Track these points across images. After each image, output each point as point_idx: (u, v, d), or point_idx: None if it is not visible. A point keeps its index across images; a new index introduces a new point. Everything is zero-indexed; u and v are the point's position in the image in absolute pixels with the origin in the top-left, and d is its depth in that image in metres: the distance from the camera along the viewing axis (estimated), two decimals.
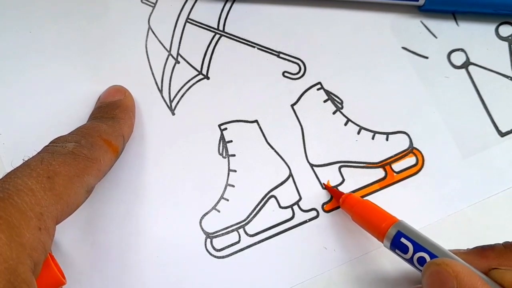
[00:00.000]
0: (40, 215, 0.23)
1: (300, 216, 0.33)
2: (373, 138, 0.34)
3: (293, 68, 0.35)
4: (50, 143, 0.28)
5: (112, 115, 0.32)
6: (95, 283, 0.33)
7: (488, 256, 0.27)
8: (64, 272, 0.32)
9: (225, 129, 0.35)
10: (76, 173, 0.26)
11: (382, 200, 0.33)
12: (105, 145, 0.29)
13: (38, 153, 0.27)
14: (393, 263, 0.33)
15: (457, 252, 0.28)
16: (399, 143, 0.34)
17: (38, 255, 0.22)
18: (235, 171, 0.34)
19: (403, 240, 0.27)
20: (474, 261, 0.27)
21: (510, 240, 0.27)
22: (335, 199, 0.33)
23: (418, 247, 0.27)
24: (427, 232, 0.31)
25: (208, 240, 0.33)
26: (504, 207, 0.33)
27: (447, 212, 0.33)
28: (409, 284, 0.32)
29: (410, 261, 0.27)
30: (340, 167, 0.34)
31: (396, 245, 0.28)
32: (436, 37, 0.35)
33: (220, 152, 0.34)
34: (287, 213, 0.34)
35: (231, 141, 0.34)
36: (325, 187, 0.33)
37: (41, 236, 0.23)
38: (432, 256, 0.26)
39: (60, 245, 0.33)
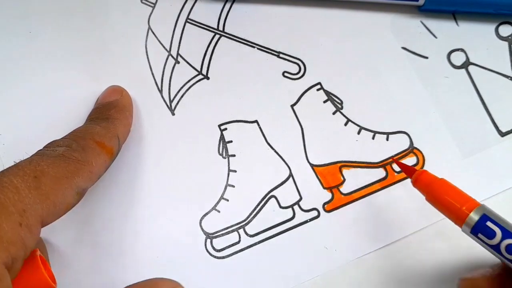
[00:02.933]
0: (22, 212, 0.23)
1: (300, 216, 0.33)
2: (373, 138, 0.34)
3: (293, 68, 0.35)
4: (43, 147, 0.28)
5: (107, 115, 0.32)
6: (95, 284, 0.32)
7: None
8: (64, 273, 0.32)
9: (225, 129, 0.35)
10: (65, 175, 0.26)
11: (384, 200, 0.33)
12: (98, 147, 0.29)
13: (29, 156, 0.27)
14: (394, 263, 0.33)
15: None
16: (400, 143, 0.34)
17: (16, 250, 0.22)
18: (235, 171, 0.34)
19: (489, 224, 0.25)
20: None
21: None
22: (408, 175, 0.29)
23: (507, 234, 0.25)
24: (431, 231, 0.32)
25: (208, 240, 0.33)
26: (504, 207, 0.33)
27: None
28: (410, 284, 0.32)
29: (495, 248, 0.25)
30: (340, 167, 0.34)
31: (480, 229, 0.25)
32: (436, 37, 0.35)
33: (220, 152, 0.34)
34: (288, 213, 0.33)
35: (231, 141, 0.34)
36: (394, 161, 0.32)
37: (21, 231, 0.23)
38: None
39: (60, 247, 0.33)
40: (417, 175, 0.28)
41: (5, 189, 0.23)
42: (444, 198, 0.27)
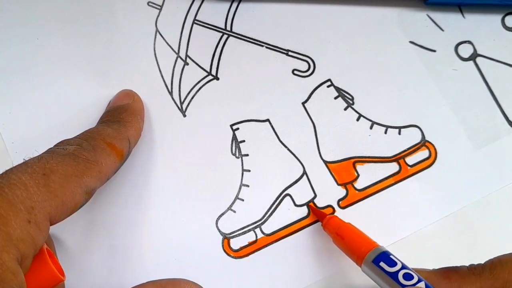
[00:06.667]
0: (30, 209, 0.23)
1: None
2: (385, 133, 0.34)
3: (303, 66, 0.35)
4: (53, 146, 0.28)
5: (119, 118, 0.32)
6: (114, 287, 0.32)
7: (451, 278, 0.27)
8: (83, 276, 0.32)
9: (237, 129, 0.35)
10: (74, 173, 0.26)
11: (398, 194, 0.33)
12: (108, 148, 0.29)
13: (39, 154, 0.27)
14: (406, 260, 0.33)
15: (423, 271, 0.28)
16: (412, 137, 0.34)
17: (25, 247, 0.22)
18: (249, 171, 0.34)
19: (392, 257, 0.28)
20: (437, 282, 0.27)
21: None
22: (320, 219, 0.33)
23: (405, 266, 0.27)
24: (431, 231, 0.32)
25: (225, 240, 0.33)
26: None
27: (464, 203, 0.33)
28: None
29: (393, 275, 0.27)
30: (354, 163, 0.34)
31: (384, 259, 0.28)
32: (442, 30, 0.36)
33: (233, 152, 0.34)
34: (303, 211, 0.34)
35: (244, 141, 0.34)
36: (310, 207, 0.33)
37: (30, 229, 0.23)
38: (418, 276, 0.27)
39: (78, 251, 0.33)
40: (327, 220, 0.32)
41: (13, 186, 0.23)
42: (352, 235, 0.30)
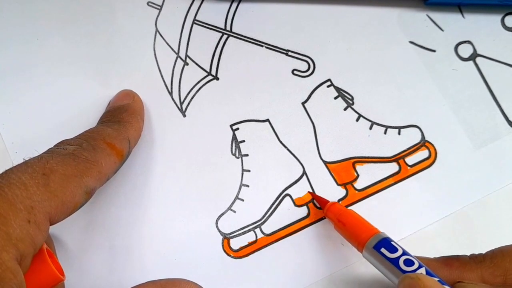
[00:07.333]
0: (30, 209, 0.23)
1: (316, 214, 0.33)
2: (385, 133, 0.34)
3: (302, 66, 0.35)
4: (53, 146, 0.28)
5: (119, 118, 0.32)
6: (114, 287, 0.32)
7: (452, 265, 0.28)
8: (83, 276, 0.32)
9: (237, 129, 0.35)
10: (74, 173, 0.26)
11: (397, 194, 0.33)
12: (108, 148, 0.29)
13: (39, 154, 0.27)
14: None
15: (424, 259, 0.28)
16: (411, 137, 0.34)
17: (25, 247, 0.22)
18: (249, 171, 0.34)
19: (393, 243, 0.28)
20: (438, 269, 0.28)
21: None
22: (321, 206, 0.33)
23: (406, 252, 0.27)
24: (431, 231, 0.33)
25: (225, 240, 0.33)
26: None
27: (464, 203, 0.33)
28: None
29: (394, 261, 0.27)
30: (353, 163, 0.34)
31: (385, 245, 0.28)
32: (442, 30, 0.36)
33: (233, 152, 0.34)
34: (303, 211, 0.34)
35: (244, 141, 0.34)
36: (310, 194, 0.34)
37: (30, 228, 0.23)
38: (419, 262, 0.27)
39: (78, 251, 0.33)
40: (328, 206, 0.32)
41: (13, 185, 0.23)
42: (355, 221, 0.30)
